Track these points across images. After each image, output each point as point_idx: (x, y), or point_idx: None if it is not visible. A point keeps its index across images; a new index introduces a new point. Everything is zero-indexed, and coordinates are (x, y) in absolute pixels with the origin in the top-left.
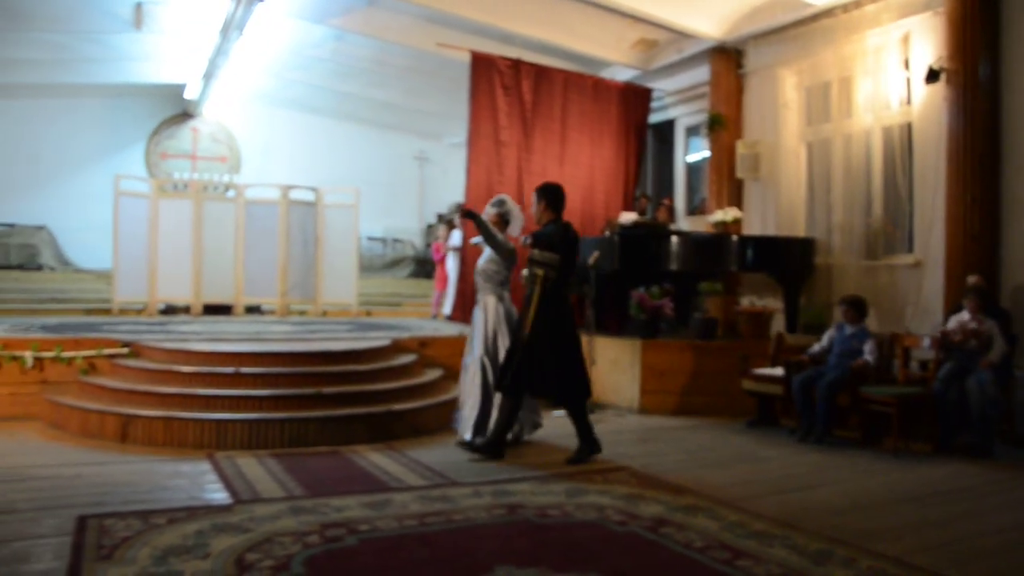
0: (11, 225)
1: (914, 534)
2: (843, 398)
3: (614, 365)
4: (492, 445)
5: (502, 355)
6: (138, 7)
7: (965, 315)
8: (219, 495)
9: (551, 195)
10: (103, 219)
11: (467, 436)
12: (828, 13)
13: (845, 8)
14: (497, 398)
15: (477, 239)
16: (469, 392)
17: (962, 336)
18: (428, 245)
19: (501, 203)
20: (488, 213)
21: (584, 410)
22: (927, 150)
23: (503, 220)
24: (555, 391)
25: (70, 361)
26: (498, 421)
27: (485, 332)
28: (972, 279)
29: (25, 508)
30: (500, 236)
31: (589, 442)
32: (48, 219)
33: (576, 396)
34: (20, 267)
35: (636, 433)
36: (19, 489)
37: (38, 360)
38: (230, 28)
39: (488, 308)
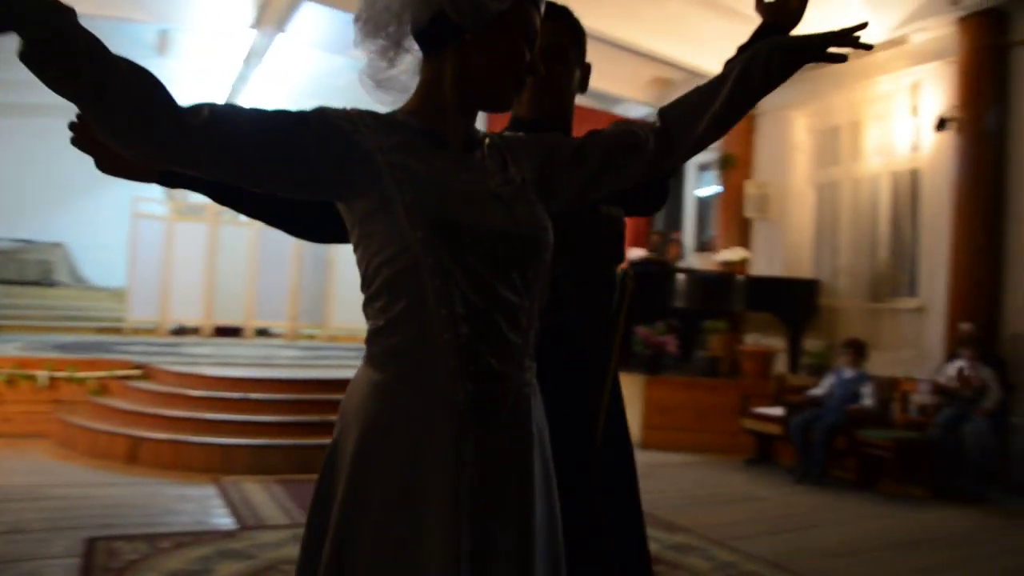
0: (28, 241)
1: None
2: (841, 441)
3: None
4: None
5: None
6: (163, 34)
7: (961, 362)
8: (224, 520)
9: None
10: (118, 238)
11: None
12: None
13: (856, 54)
14: None
15: None
16: None
17: (958, 384)
18: None
19: None
20: None
21: None
22: (934, 197)
23: None
24: None
25: (82, 381)
26: None
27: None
28: (965, 327)
29: (36, 528)
30: None
31: None
32: (64, 236)
33: None
34: (36, 283)
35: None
36: (30, 509)
37: (52, 380)
38: (251, 57)
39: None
